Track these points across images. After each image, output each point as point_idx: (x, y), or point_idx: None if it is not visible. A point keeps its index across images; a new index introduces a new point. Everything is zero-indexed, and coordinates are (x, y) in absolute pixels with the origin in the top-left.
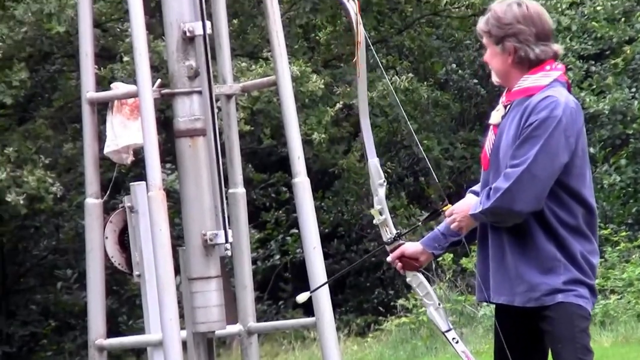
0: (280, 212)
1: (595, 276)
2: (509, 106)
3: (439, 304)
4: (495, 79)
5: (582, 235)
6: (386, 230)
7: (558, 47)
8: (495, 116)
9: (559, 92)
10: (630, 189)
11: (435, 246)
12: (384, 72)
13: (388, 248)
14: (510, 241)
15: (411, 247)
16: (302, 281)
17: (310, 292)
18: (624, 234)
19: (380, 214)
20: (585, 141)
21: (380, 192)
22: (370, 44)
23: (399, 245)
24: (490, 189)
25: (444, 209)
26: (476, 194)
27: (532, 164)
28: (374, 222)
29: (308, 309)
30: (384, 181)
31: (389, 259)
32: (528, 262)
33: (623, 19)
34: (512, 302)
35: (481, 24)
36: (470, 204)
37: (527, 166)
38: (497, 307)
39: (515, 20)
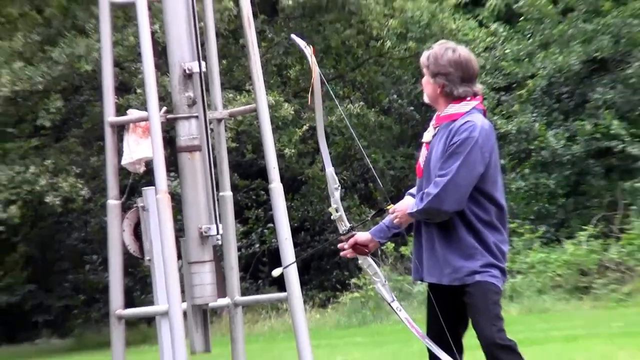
0: (260, 210)
1: (505, 260)
2: (437, 128)
3: (385, 281)
4: (426, 99)
5: (494, 228)
6: (341, 224)
7: (479, 88)
8: (427, 136)
9: (477, 118)
10: (532, 192)
11: (381, 236)
12: (337, 103)
13: (343, 238)
14: (439, 234)
15: (362, 236)
16: (276, 264)
17: (283, 268)
18: (527, 227)
19: (337, 211)
20: (497, 155)
21: (336, 194)
22: (324, 79)
23: (353, 235)
24: (424, 193)
25: (388, 208)
26: (413, 196)
27: (455, 175)
28: (332, 217)
29: (281, 286)
30: (339, 185)
31: (341, 249)
32: (453, 250)
33: (527, 59)
34: (441, 282)
35: (423, 57)
36: (408, 204)
37: (451, 176)
38: (429, 285)
39: (448, 63)
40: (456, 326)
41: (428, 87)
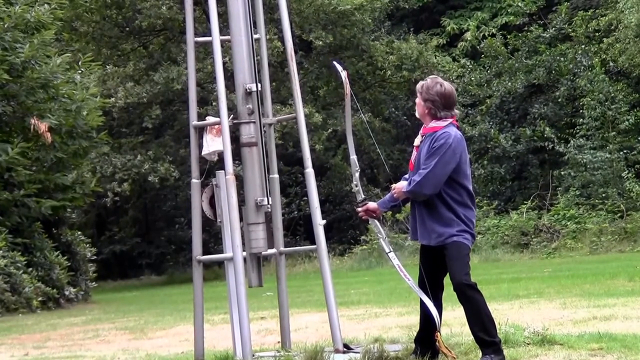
0: (297, 188)
1: (474, 227)
2: (424, 136)
3: (385, 237)
4: (417, 115)
5: (465, 205)
6: (359, 196)
7: (456, 113)
8: (417, 141)
9: (452, 129)
10: (488, 177)
11: (385, 206)
12: (361, 110)
13: (359, 205)
14: (426, 209)
15: (372, 205)
16: (310, 226)
17: (361, 205)
18: (485, 201)
19: (356, 186)
20: (466, 153)
21: (356, 175)
22: (353, 94)
23: (366, 204)
24: (412, 180)
25: (391, 186)
26: (406, 179)
27: (432, 169)
28: (352, 191)
29: (312, 239)
30: (359, 169)
31: (359, 211)
32: (436, 221)
33: (486, 84)
34: (430, 243)
35: (419, 85)
36: (403, 185)
37: (430, 170)
38: (421, 245)
39: (436, 93)
40: (438, 272)
41: (419, 107)
